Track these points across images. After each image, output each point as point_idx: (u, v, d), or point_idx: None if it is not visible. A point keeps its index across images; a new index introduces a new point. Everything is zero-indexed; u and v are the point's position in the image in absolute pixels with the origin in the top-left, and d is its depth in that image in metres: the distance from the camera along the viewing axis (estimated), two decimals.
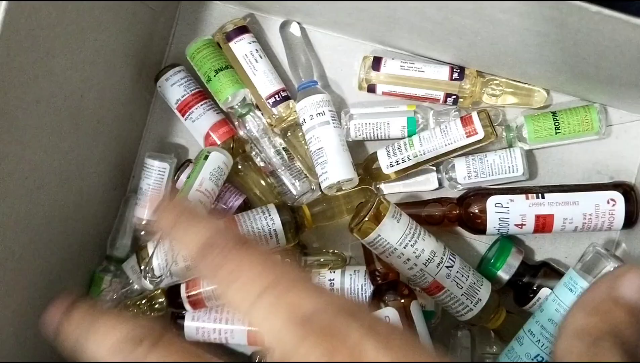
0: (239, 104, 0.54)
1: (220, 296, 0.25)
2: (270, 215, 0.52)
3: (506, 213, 0.49)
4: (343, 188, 0.52)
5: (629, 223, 0.50)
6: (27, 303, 0.46)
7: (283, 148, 0.53)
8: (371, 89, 0.54)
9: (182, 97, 0.54)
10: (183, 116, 0.55)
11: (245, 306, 0.23)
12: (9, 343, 0.45)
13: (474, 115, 0.50)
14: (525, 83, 0.53)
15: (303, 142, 0.54)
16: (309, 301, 0.22)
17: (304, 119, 0.52)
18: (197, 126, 0.54)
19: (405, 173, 0.53)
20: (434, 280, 0.48)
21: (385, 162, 0.52)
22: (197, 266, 0.26)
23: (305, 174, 0.54)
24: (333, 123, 0.52)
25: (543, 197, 0.49)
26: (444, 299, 0.49)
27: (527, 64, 0.49)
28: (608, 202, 0.49)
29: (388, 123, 0.53)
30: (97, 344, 0.24)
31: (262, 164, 0.54)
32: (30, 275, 0.47)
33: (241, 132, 0.54)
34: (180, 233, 0.27)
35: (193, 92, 0.54)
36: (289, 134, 0.54)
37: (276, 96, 0.54)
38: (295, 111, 0.53)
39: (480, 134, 0.50)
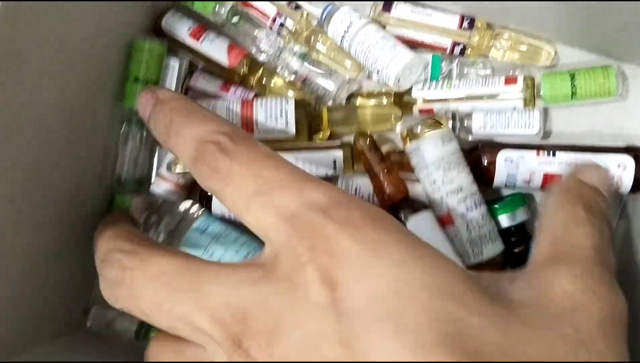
0: (229, 13, 0.54)
1: (217, 197, 0.28)
2: (287, 103, 0.51)
3: (515, 169, 0.49)
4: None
5: (636, 188, 0.50)
6: (39, 239, 0.47)
7: (305, 54, 0.54)
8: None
9: (193, 24, 0.55)
10: (199, 39, 0.55)
11: (240, 208, 0.26)
12: (19, 282, 0.46)
13: (520, 78, 0.51)
14: (534, 40, 0.53)
15: (328, 43, 0.54)
16: (293, 199, 0.25)
17: (342, 37, 0.52)
18: (218, 44, 0.55)
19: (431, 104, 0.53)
20: (449, 213, 0.49)
21: (417, 86, 0.53)
22: (190, 171, 0.29)
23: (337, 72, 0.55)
24: (369, 23, 0.52)
25: (554, 155, 0.49)
26: (449, 234, 0.49)
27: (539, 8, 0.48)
28: (618, 166, 0.49)
29: None
30: (192, 129, 0.28)
31: (291, 77, 0.55)
32: (40, 211, 0.47)
33: (260, 58, 0.54)
34: (172, 138, 0.30)
35: (200, 22, 0.55)
36: (312, 41, 0.55)
37: (278, 16, 0.54)
38: (309, 20, 0.55)
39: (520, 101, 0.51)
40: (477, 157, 0.51)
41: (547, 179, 0.49)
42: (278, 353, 0.22)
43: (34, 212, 0.46)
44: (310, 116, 0.52)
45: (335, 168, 0.50)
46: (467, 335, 0.21)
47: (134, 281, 0.28)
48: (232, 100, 0.53)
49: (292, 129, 0.51)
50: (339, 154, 0.50)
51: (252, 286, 0.24)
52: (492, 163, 0.50)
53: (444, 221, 0.49)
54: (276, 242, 0.25)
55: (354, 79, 0.55)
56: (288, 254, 0.24)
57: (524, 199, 0.52)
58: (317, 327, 0.22)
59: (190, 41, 0.55)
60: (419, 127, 0.49)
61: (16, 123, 0.42)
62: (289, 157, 0.48)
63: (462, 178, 0.49)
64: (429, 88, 0.53)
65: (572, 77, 0.51)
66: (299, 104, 0.52)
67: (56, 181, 0.48)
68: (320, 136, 0.53)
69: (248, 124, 0.51)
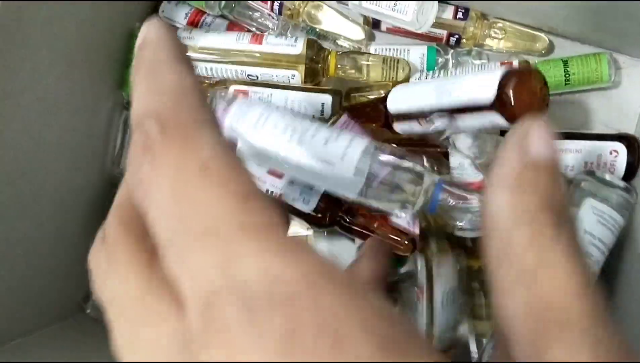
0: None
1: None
2: (295, 42, 0.50)
3: None
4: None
5: (629, 173, 0.50)
6: (40, 221, 0.47)
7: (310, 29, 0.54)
8: (376, 24, 0.55)
9: (190, 10, 0.56)
10: (197, 25, 0.55)
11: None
12: (20, 267, 0.46)
13: (515, 62, 0.51)
14: (527, 28, 0.54)
15: (329, 13, 0.54)
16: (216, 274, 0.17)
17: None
18: (215, 27, 0.55)
19: None
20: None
21: (414, 76, 0.52)
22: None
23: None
24: None
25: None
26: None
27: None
28: (611, 153, 0.50)
29: (408, 50, 0.53)
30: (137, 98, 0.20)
31: None
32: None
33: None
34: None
35: (196, 8, 0.56)
36: (313, 13, 0.55)
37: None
38: None
39: None
40: None
41: None
42: None
43: (33, 196, 0.46)
44: (318, 56, 0.51)
45: (322, 111, 0.50)
46: None
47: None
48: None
49: (300, 46, 0.50)
50: (328, 98, 0.50)
51: None
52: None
53: None
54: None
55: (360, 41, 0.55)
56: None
57: None
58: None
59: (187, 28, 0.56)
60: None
61: (16, 109, 0.42)
62: (281, 95, 0.49)
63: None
64: (425, 78, 0.53)
65: (565, 63, 0.52)
66: (311, 43, 0.51)
67: (57, 166, 0.48)
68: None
69: (258, 38, 0.51)
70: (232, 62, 0.50)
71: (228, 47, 0.51)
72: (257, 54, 0.50)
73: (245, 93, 0.51)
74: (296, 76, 0.50)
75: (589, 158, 0.50)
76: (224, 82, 0.51)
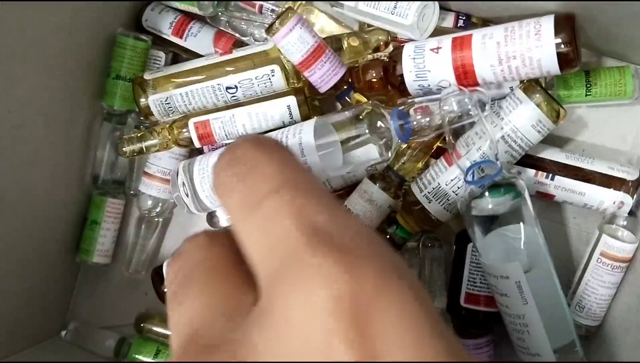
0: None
1: (220, 204, 0.22)
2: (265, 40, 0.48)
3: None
4: None
5: None
6: (14, 240, 0.44)
7: None
8: None
9: (175, 18, 0.52)
10: (181, 36, 0.51)
11: (244, 213, 0.19)
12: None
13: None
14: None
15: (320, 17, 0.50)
16: (322, 212, 0.18)
17: None
18: (201, 37, 0.51)
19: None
20: None
21: None
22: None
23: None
24: None
25: (552, 179, 0.45)
26: None
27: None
28: (614, 203, 0.45)
29: None
30: None
31: None
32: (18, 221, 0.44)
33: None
34: None
35: (182, 14, 0.52)
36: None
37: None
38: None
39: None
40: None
41: (542, 195, 0.45)
42: None
43: (8, 213, 0.44)
44: None
45: (291, 114, 0.46)
46: None
47: None
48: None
49: (271, 42, 0.47)
50: (291, 100, 0.46)
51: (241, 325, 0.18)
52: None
53: None
54: (285, 268, 0.18)
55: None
56: (308, 299, 0.17)
57: None
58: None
59: (173, 38, 0.52)
60: None
61: None
62: (243, 113, 0.45)
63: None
64: None
65: (587, 74, 0.47)
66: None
67: (32, 181, 0.46)
68: None
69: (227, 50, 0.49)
70: (208, 78, 0.47)
71: (200, 64, 0.48)
72: (231, 66, 0.47)
73: (205, 123, 0.47)
74: (276, 70, 0.47)
75: (589, 202, 0.45)
76: (183, 119, 0.48)
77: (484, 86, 0.43)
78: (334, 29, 0.50)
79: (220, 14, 0.52)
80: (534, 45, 0.40)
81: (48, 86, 0.45)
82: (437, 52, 0.43)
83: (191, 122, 0.47)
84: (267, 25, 0.45)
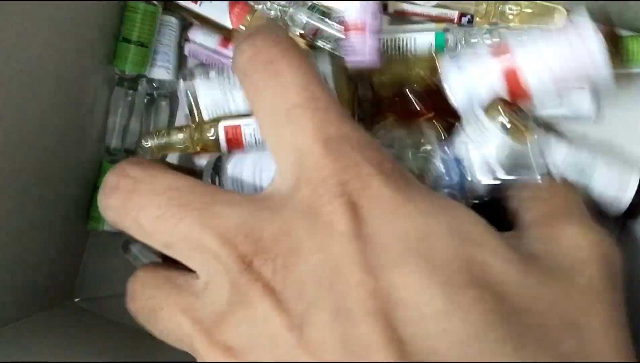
0: None
1: (249, 104, 0.27)
2: None
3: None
4: None
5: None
6: (23, 202, 0.44)
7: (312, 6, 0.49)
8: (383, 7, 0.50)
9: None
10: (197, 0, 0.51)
11: (271, 120, 0.25)
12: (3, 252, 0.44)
13: None
14: (544, 1, 0.49)
15: None
16: (336, 125, 0.24)
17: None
18: (218, 3, 0.50)
19: None
20: None
21: None
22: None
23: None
24: None
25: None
26: None
27: None
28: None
29: (415, 38, 0.49)
30: None
31: (300, 31, 0.49)
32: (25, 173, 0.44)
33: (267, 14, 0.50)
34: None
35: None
36: None
37: None
38: None
39: None
40: None
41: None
42: (294, 275, 0.22)
43: (18, 177, 0.43)
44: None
45: None
46: (492, 278, 0.22)
47: (138, 192, 0.26)
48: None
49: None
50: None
51: (270, 211, 0.23)
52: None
53: None
54: (303, 165, 0.24)
55: None
56: (315, 182, 0.23)
57: None
58: (340, 253, 0.22)
59: (187, 3, 0.52)
60: None
61: None
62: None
63: None
64: None
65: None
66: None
67: (40, 143, 0.45)
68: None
69: None
70: None
71: None
72: None
73: (236, 129, 0.46)
74: None
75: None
76: (213, 120, 0.47)
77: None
78: None
79: None
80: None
81: (59, 48, 0.45)
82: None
83: (221, 125, 0.46)
84: None
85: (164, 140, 0.47)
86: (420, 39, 0.49)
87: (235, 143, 0.46)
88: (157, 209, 0.25)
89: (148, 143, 0.47)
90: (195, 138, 0.47)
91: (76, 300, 0.51)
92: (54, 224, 0.49)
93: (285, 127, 0.24)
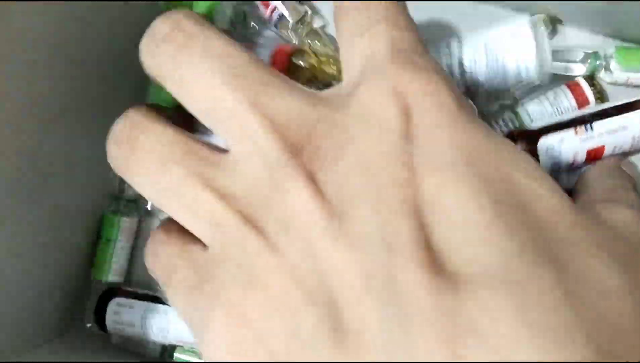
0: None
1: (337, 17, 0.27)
2: None
3: (558, 155, 0.45)
4: None
5: None
6: (33, 230, 0.42)
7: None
8: None
9: None
10: None
11: (353, 35, 0.25)
12: (12, 281, 0.40)
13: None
14: None
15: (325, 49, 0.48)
16: (407, 42, 0.24)
17: None
18: None
19: None
20: None
21: None
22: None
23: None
24: None
25: (592, 129, 0.45)
26: None
27: None
28: None
29: None
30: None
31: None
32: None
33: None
34: None
35: None
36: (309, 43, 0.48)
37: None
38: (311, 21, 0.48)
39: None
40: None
41: (591, 154, 0.45)
42: (340, 168, 0.21)
43: (28, 201, 0.41)
44: None
45: None
46: (544, 213, 0.21)
47: (191, 49, 0.24)
48: None
49: None
50: None
51: (327, 108, 0.23)
52: (533, 153, 0.45)
53: None
54: (369, 68, 0.24)
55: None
56: (376, 83, 0.23)
57: None
58: (387, 149, 0.21)
59: None
60: None
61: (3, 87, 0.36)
62: None
63: None
64: None
65: None
66: None
67: (52, 168, 0.43)
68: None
69: None
70: None
71: None
72: None
73: None
74: None
75: (635, 132, 0.44)
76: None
77: None
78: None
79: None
80: None
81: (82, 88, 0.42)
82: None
83: None
84: None
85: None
86: None
87: None
88: (209, 72, 0.23)
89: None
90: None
91: (88, 325, 0.49)
92: (65, 250, 0.47)
93: (362, 37, 0.25)
